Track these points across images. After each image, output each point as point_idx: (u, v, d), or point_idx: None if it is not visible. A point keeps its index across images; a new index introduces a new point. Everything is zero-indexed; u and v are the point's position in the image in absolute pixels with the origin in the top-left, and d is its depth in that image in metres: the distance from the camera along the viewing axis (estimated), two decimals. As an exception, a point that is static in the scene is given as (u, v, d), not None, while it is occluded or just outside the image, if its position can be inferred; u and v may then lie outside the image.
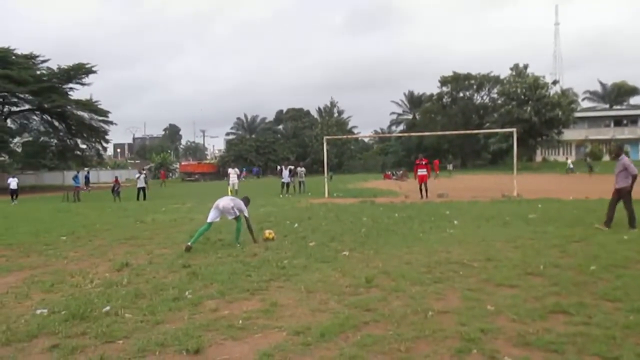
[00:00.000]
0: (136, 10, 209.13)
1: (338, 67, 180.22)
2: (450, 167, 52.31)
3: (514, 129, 25.08)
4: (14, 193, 29.22)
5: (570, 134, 65.60)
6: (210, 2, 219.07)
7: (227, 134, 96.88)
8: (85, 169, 50.84)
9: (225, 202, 9.91)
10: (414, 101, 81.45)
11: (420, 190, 20.68)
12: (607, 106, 79.48)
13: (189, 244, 9.36)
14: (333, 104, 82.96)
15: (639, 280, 6.12)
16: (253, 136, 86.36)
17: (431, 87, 74.04)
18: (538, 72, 65.31)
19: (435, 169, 40.96)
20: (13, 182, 29.49)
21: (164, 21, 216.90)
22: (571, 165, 44.48)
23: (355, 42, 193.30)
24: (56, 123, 55.48)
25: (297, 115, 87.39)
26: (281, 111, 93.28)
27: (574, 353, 4.06)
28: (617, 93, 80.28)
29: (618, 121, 71.18)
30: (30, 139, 54.93)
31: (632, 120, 70.65)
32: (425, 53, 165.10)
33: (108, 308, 5.61)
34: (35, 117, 55.74)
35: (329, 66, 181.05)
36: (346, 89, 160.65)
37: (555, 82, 62.57)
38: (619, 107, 78.43)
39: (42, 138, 55.72)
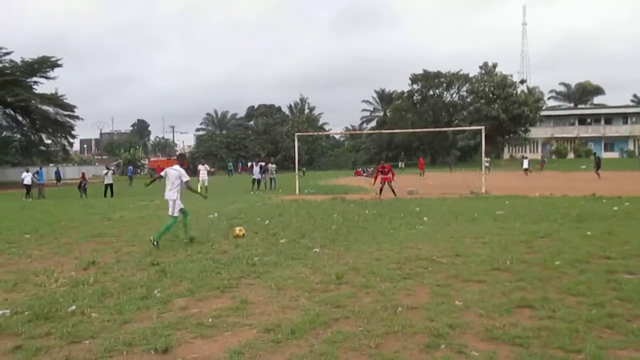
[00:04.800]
0: (118, 6, 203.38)
1: (314, 65, 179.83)
2: (402, 165, 52.31)
3: (483, 127, 25.47)
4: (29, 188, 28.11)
5: (537, 132, 67.10)
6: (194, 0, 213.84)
7: (197, 129, 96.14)
8: (51, 165, 49.66)
9: None
10: (385, 99, 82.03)
11: (381, 189, 20.00)
12: (572, 105, 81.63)
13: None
14: (303, 101, 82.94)
15: (601, 275, 6.29)
16: (224, 132, 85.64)
17: (403, 86, 74.49)
18: (507, 71, 66.66)
19: (420, 166, 40.89)
20: (27, 177, 28.34)
21: (146, 18, 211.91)
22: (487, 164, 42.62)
23: (335, 42, 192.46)
24: (20, 118, 54.07)
25: (268, 112, 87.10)
26: (252, 107, 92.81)
27: (539, 347, 4.15)
28: (582, 92, 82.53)
29: (582, 120, 73.14)
30: (-8, 134, 53.44)
31: (596, 119, 72.67)
32: (402, 52, 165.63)
33: (74, 307, 5.48)
34: (-3, 112, 54.20)
35: (307, 64, 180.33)
36: (319, 86, 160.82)
37: (522, 81, 63.89)
38: (583, 106, 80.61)
39: (4, 133, 54.30)
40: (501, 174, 38.49)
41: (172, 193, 9.75)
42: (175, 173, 9.84)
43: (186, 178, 9.82)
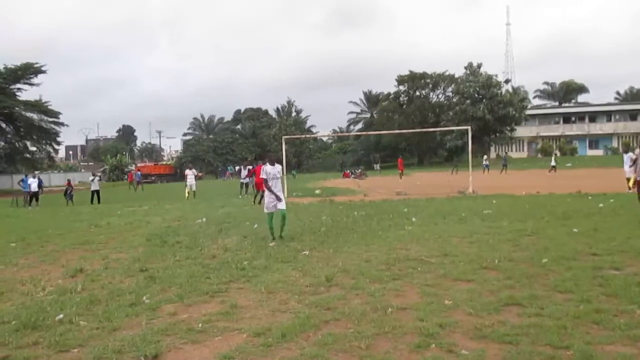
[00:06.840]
0: (103, 11, 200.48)
1: (300, 68, 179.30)
2: (377, 167, 52.42)
3: (469, 127, 25.65)
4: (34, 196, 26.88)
5: (522, 131, 67.72)
6: (182, 2, 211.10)
7: (185, 134, 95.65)
8: (36, 172, 49.06)
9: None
10: (372, 100, 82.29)
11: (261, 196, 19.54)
12: (557, 104, 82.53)
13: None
14: (290, 104, 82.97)
15: (587, 272, 6.36)
16: (211, 136, 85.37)
17: (390, 87, 74.71)
18: (492, 71, 67.24)
19: (400, 167, 40.57)
20: (34, 184, 27.26)
21: (132, 23, 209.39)
22: (486, 163, 42.59)
23: (321, 44, 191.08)
24: (3, 125, 53.49)
25: (255, 115, 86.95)
26: (239, 111, 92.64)
27: (528, 344, 4.19)
28: (566, 91, 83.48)
29: (567, 118, 73.92)
30: (-25, 141, 52.78)
31: (580, 117, 73.47)
32: (388, 54, 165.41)
33: (61, 316, 5.43)
34: (-20, 120, 53.52)
35: (293, 67, 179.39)
36: (306, 89, 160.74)
37: (507, 81, 64.55)
38: (567, 104, 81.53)
39: (-12, 141, 53.58)
40: (488, 173, 38.70)
41: None
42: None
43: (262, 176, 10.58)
